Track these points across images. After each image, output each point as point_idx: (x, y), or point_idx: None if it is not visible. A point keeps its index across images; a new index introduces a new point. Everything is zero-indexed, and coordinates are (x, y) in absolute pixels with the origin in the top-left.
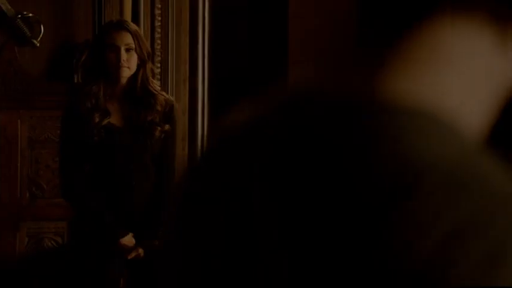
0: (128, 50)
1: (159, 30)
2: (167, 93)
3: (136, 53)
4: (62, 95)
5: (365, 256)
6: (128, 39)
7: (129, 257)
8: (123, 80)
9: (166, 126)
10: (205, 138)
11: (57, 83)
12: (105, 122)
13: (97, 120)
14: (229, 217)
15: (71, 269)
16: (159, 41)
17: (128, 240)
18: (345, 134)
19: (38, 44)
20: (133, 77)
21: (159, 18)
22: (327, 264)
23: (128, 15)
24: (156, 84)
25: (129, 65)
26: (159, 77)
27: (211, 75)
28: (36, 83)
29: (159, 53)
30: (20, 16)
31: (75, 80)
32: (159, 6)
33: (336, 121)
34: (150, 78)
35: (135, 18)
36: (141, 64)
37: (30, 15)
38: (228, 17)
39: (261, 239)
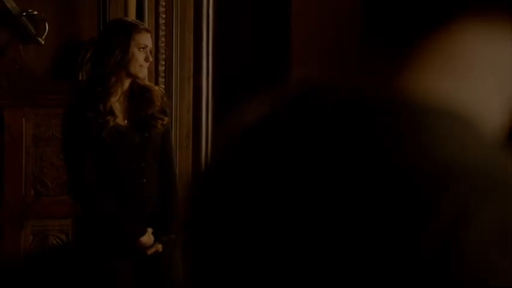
0: (150, 52)
1: (163, 27)
2: (171, 90)
3: (151, 54)
4: (66, 93)
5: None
6: (151, 42)
7: (148, 253)
8: (132, 79)
9: (166, 120)
10: (209, 135)
11: (61, 81)
12: (114, 122)
13: (111, 122)
14: (247, 215)
15: (78, 267)
16: (163, 39)
17: (147, 238)
18: (369, 132)
19: (43, 42)
20: None
21: (164, 16)
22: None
23: (132, 12)
24: (147, 81)
25: (147, 65)
26: (163, 74)
27: (216, 73)
28: (41, 81)
29: (163, 51)
30: (25, 14)
31: (80, 78)
32: (164, 3)
33: (356, 118)
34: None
35: (140, 16)
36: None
37: (35, 13)
38: (232, 15)
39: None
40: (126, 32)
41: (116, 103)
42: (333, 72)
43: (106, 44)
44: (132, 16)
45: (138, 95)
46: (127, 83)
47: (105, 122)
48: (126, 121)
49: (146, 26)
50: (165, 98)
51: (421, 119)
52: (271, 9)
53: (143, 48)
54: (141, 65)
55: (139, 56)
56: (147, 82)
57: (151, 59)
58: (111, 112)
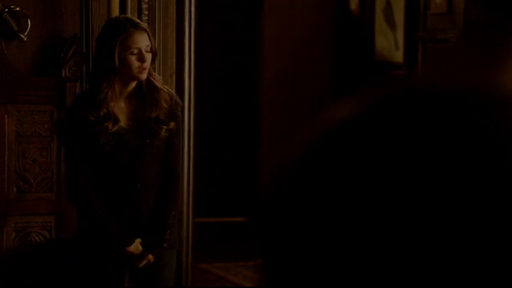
0: (146, 52)
1: (146, 24)
2: None
3: (151, 51)
4: (49, 89)
5: None
6: (147, 40)
7: (139, 265)
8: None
9: (172, 124)
10: (191, 131)
11: (44, 77)
12: (116, 128)
13: (110, 127)
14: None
15: (81, 266)
16: None
17: (135, 247)
18: (485, 126)
19: (25, 39)
20: None
21: (146, 13)
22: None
23: (115, 9)
24: (158, 79)
25: (147, 66)
26: None
27: (198, 69)
28: (24, 77)
29: None
30: (7, 10)
31: (63, 74)
32: (146, 0)
33: (469, 114)
34: (153, 72)
35: (122, 13)
36: (152, 61)
37: (18, 9)
38: (214, 12)
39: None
40: (112, 37)
41: (121, 103)
42: (436, 67)
43: (97, 48)
44: (115, 13)
45: (147, 95)
46: (132, 84)
47: (104, 128)
48: (129, 123)
49: (140, 23)
50: (178, 100)
51: None
52: (242, 7)
53: (136, 51)
54: (137, 68)
55: (132, 60)
56: (157, 82)
57: (146, 59)
58: (110, 117)
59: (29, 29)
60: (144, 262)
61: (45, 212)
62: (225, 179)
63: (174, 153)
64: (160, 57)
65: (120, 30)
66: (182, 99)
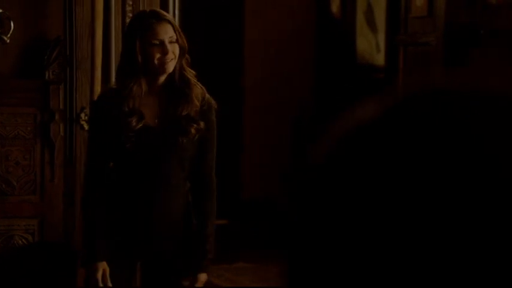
0: (170, 43)
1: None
2: None
3: (178, 43)
4: (32, 91)
5: None
6: (171, 31)
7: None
8: (166, 74)
9: (202, 124)
10: None
11: (27, 79)
12: (140, 124)
13: (134, 124)
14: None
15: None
16: None
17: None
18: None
19: (8, 41)
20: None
21: (130, 15)
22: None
23: (99, 11)
24: (192, 73)
25: (174, 57)
26: None
27: None
28: (6, 79)
29: None
30: None
31: (46, 77)
32: (130, 3)
33: (491, 116)
34: (186, 66)
35: (106, 15)
36: (181, 54)
37: (0, 11)
38: (196, 15)
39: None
40: (133, 30)
41: (150, 100)
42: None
43: (122, 43)
44: (99, 16)
45: (178, 91)
46: (160, 79)
47: (127, 124)
48: (157, 121)
49: (170, 16)
50: (211, 102)
51: None
52: (224, 10)
53: (158, 43)
54: (158, 59)
55: (154, 53)
56: (190, 76)
57: (169, 50)
58: (134, 113)
59: (12, 31)
60: (198, 285)
61: (28, 215)
62: None
63: (209, 161)
64: None
65: (140, 23)
66: None
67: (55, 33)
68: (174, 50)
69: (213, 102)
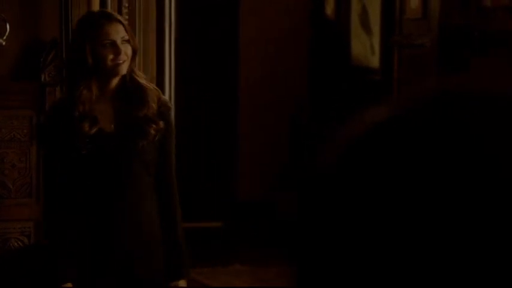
0: (122, 43)
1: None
2: None
3: (130, 44)
4: (28, 94)
5: None
6: (122, 31)
7: None
8: (119, 77)
9: (161, 124)
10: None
11: (23, 82)
12: (95, 130)
13: (86, 129)
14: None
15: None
16: None
17: None
18: None
19: (4, 43)
20: None
21: (127, 17)
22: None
23: None
24: (141, 76)
25: (127, 58)
26: None
27: (178, 73)
28: (2, 82)
29: None
30: None
31: (42, 79)
32: (127, 5)
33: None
34: (136, 69)
35: None
36: (133, 56)
37: None
38: (192, 16)
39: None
40: (82, 31)
41: (103, 104)
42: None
43: (70, 46)
44: None
45: (132, 94)
46: (113, 81)
47: (79, 130)
48: (113, 126)
49: (115, 15)
50: (167, 103)
51: None
52: (221, 11)
53: (109, 43)
54: (113, 63)
55: (105, 53)
56: (141, 79)
57: (121, 51)
58: (86, 117)
59: (8, 34)
60: None
61: (24, 217)
62: (202, 184)
63: (170, 164)
64: (141, 61)
65: (90, 24)
66: None
67: (51, 36)
68: (126, 51)
69: (169, 103)
